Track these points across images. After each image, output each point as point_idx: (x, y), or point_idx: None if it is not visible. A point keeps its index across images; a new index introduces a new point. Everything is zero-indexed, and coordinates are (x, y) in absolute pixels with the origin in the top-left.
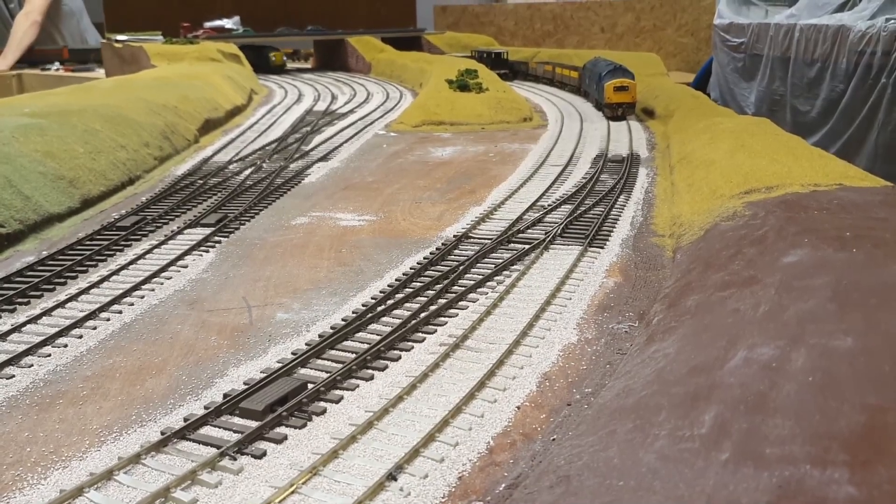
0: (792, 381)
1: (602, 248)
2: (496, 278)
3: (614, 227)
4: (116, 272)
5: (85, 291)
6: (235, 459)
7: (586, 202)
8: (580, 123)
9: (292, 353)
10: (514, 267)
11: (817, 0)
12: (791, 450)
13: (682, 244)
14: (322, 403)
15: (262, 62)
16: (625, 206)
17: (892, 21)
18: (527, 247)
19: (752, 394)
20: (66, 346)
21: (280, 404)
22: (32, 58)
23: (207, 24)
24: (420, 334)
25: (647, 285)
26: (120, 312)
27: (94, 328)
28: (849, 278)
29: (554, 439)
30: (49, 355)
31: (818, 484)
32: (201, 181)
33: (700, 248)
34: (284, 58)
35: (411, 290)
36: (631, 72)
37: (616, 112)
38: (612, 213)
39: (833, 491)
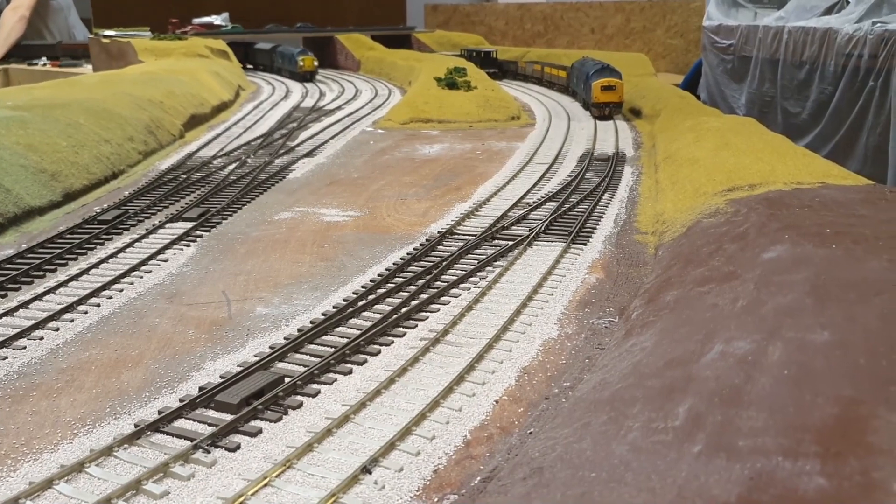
0: (767, 374)
1: (585, 244)
2: (479, 274)
3: (598, 225)
4: (96, 265)
5: (63, 284)
6: (209, 452)
7: (571, 200)
8: (567, 122)
9: (270, 348)
10: (498, 263)
11: (805, 3)
12: (764, 442)
13: (665, 241)
14: (298, 397)
15: (285, 63)
16: (609, 203)
17: (879, 24)
18: (510, 243)
19: (727, 387)
20: (41, 338)
21: (256, 398)
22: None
23: (196, 21)
24: (401, 329)
25: (628, 281)
26: (98, 306)
27: (72, 321)
28: (827, 274)
29: (531, 433)
30: (24, 348)
31: (789, 475)
32: (185, 176)
33: (682, 245)
34: (315, 63)
35: (393, 285)
36: (618, 71)
37: (603, 111)
38: (596, 210)
39: (804, 482)
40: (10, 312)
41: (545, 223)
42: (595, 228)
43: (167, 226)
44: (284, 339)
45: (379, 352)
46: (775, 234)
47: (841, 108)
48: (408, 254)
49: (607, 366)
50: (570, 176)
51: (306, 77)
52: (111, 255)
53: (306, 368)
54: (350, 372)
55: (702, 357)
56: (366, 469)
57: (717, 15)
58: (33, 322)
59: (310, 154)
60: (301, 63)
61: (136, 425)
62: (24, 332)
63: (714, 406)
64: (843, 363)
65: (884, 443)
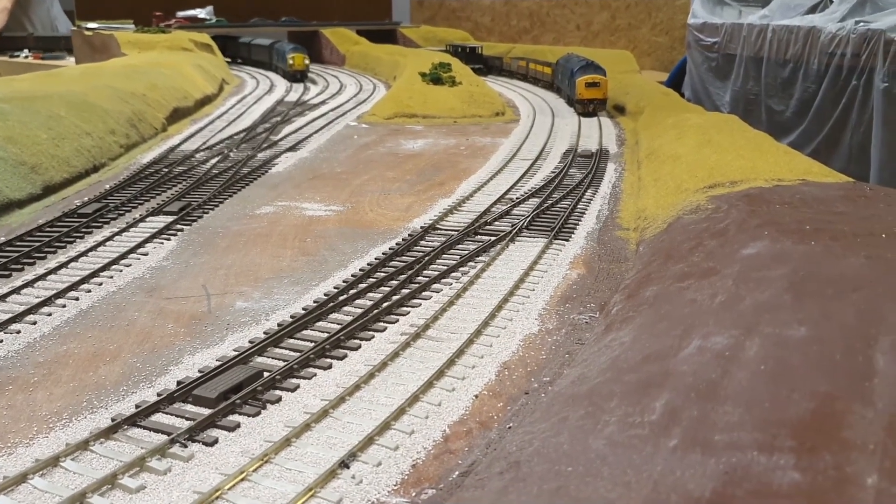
0: (744, 369)
1: (567, 240)
2: (461, 269)
3: (580, 221)
4: (75, 259)
5: (42, 278)
6: (186, 447)
7: (554, 196)
8: (552, 119)
9: (249, 342)
10: (480, 258)
11: (789, 1)
12: (739, 436)
13: (646, 237)
14: (277, 392)
15: (279, 61)
16: (592, 200)
17: (862, 23)
18: (493, 239)
19: (704, 381)
20: (18, 332)
21: (234, 392)
22: None
23: (180, 14)
24: (381, 324)
25: (609, 277)
26: (77, 299)
27: (50, 314)
28: (806, 270)
29: (510, 427)
30: (1, 341)
31: (764, 470)
32: (167, 169)
33: (662, 241)
34: (307, 61)
35: (375, 279)
36: (603, 68)
37: (587, 108)
38: (578, 206)
39: (778, 477)
40: None
41: (528, 219)
42: (577, 224)
43: (148, 219)
44: (264, 333)
45: (359, 346)
46: (755, 231)
47: (824, 107)
48: (390, 249)
49: (586, 360)
50: (553, 172)
51: (296, 77)
52: (91, 249)
53: (285, 363)
54: (330, 367)
55: (679, 352)
56: (344, 464)
57: (702, 13)
58: (10, 315)
59: (293, 148)
60: (290, 61)
61: (112, 419)
62: (1, 326)
63: (690, 401)
64: (819, 359)
65: (858, 438)
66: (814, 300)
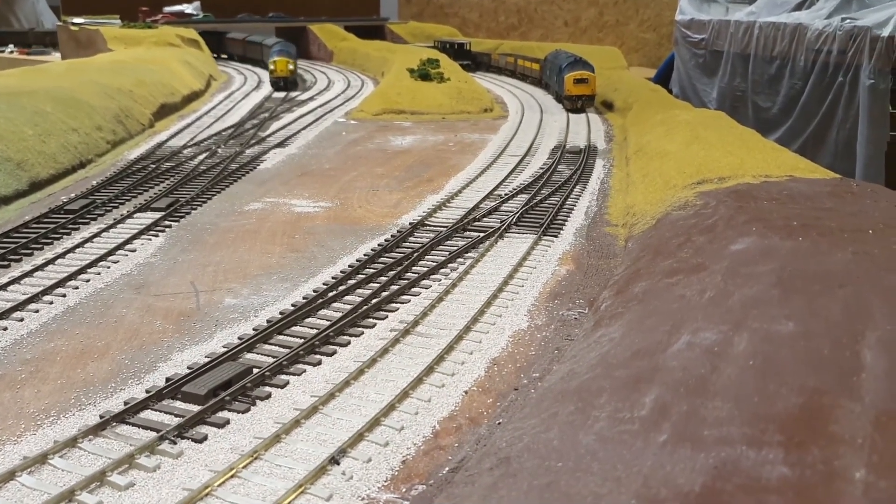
0: (733, 364)
1: (556, 236)
2: (450, 265)
3: (569, 217)
4: (62, 255)
5: (29, 275)
6: (175, 443)
7: (542, 192)
8: (540, 115)
9: (238, 338)
10: (469, 254)
11: None
12: (728, 431)
13: (635, 233)
14: (267, 388)
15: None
16: (580, 196)
17: (848, 21)
18: (482, 235)
19: (694, 377)
20: (5, 329)
21: (223, 389)
22: None
23: (167, 9)
24: (371, 320)
25: (598, 273)
26: (64, 296)
27: (37, 311)
28: (793, 265)
29: (500, 423)
30: None
31: (753, 464)
32: (154, 165)
33: (651, 237)
34: (291, 66)
35: (364, 276)
36: (591, 64)
37: (576, 104)
38: (567, 202)
39: (767, 471)
40: None
41: (517, 215)
42: (566, 220)
43: (135, 216)
44: (253, 329)
45: (349, 343)
46: (743, 227)
47: (811, 104)
48: (379, 245)
49: (576, 356)
50: (542, 168)
51: (279, 85)
52: (78, 245)
53: (275, 359)
54: (319, 363)
55: (669, 348)
56: (334, 460)
57: (690, 10)
58: None
59: (281, 144)
60: (272, 66)
61: (101, 416)
62: None
63: (680, 396)
64: (807, 354)
65: (846, 432)
66: (801, 296)
